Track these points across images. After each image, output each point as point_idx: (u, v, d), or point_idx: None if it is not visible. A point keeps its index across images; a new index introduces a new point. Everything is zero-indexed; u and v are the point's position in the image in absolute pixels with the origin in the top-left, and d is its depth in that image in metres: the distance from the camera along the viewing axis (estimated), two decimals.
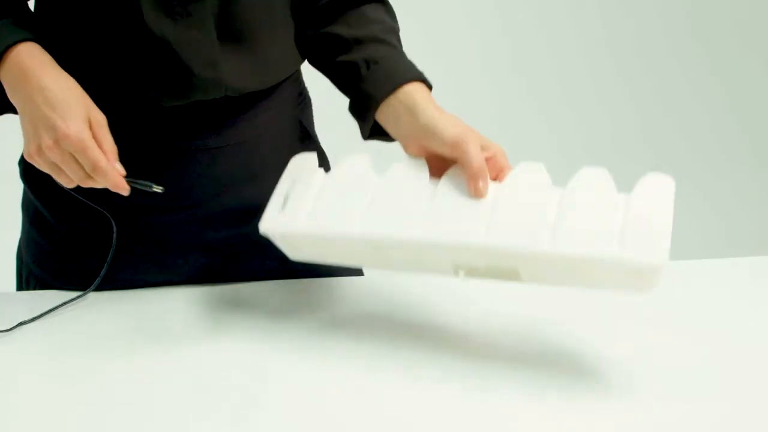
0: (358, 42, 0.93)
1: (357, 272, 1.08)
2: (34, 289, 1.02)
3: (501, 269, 0.78)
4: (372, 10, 0.97)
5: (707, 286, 1.04)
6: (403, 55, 0.94)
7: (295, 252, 0.87)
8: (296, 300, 0.97)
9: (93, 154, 0.81)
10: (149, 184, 0.86)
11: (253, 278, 1.01)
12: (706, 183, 3.16)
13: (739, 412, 0.79)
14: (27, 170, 1.00)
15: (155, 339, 0.88)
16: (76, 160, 0.82)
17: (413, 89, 0.88)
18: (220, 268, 1.01)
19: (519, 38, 3.28)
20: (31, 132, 0.83)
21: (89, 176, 0.83)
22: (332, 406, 0.78)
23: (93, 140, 0.82)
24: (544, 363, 0.85)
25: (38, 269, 1.02)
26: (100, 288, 0.96)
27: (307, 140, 1.06)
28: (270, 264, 0.99)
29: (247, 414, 0.76)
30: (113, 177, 0.82)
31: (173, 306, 0.94)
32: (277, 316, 0.92)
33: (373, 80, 0.90)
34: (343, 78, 0.94)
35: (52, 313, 0.92)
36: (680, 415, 0.78)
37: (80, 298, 0.94)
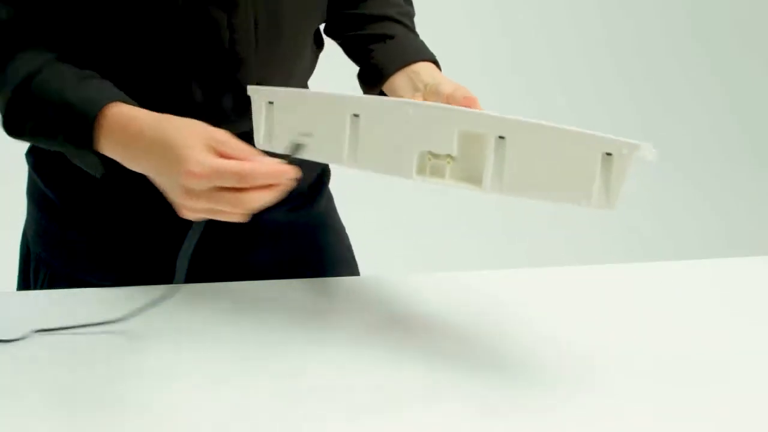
0: (375, 19, 1.00)
1: (354, 272, 1.08)
2: (45, 279, 1.02)
3: (469, 158, 0.78)
4: None
5: (707, 286, 1.04)
6: (416, 36, 1.00)
7: (270, 130, 0.88)
8: (300, 300, 0.97)
9: (230, 170, 0.72)
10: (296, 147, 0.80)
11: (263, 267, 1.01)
12: (706, 183, 3.16)
13: (739, 412, 0.79)
14: (38, 162, 1.00)
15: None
16: (225, 189, 0.73)
17: (424, 68, 0.93)
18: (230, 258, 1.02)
19: (519, 38, 3.28)
20: (168, 189, 0.77)
21: (246, 193, 0.73)
22: (330, 405, 0.78)
23: (221, 160, 0.73)
24: (544, 361, 0.85)
25: (49, 257, 1.02)
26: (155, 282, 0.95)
27: None
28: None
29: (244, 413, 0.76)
30: (267, 170, 0.72)
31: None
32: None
33: (385, 54, 0.96)
34: (356, 48, 1.00)
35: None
36: (680, 414, 0.78)
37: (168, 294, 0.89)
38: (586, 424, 0.76)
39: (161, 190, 0.78)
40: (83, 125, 0.80)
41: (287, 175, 0.73)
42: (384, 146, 0.82)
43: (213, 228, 0.88)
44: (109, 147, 0.81)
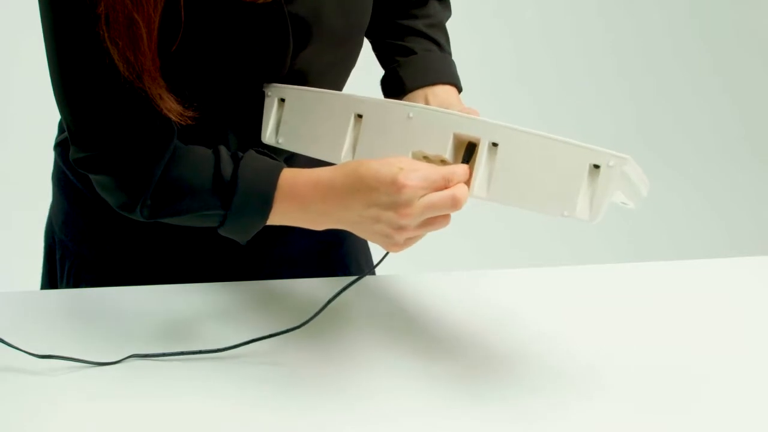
0: (401, 30, 1.02)
1: (370, 262, 1.12)
2: (72, 268, 1.03)
3: (461, 163, 0.79)
4: (431, 5, 1.05)
5: (707, 286, 1.04)
6: (443, 55, 1.01)
7: (278, 126, 0.90)
8: (305, 299, 0.97)
9: (442, 202, 0.75)
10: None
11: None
12: (706, 183, 3.16)
13: (739, 412, 0.79)
14: (67, 155, 1.00)
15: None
16: (428, 201, 0.76)
17: (442, 91, 0.95)
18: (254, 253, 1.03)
19: (520, 39, 3.28)
20: (373, 231, 0.79)
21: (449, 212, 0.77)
22: (331, 404, 0.78)
23: (431, 196, 0.76)
24: (543, 362, 0.85)
25: (77, 246, 1.03)
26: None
27: None
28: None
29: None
30: (458, 198, 0.76)
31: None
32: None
33: (406, 70, 0.98)
34: (382, 55, 1.04)
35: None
36: (680, 414, 0.78)
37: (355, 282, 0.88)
38: (586, 424, 0.76)
39: (358, 231, 0.80)
40: (261, 200, 0.82)
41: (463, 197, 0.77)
42: (381, 146, 0.83)
43: None
44: (282, 214, 0.83)
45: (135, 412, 0.76)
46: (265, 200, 0.82)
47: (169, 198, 0.84)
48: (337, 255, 1.11)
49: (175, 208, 0.84)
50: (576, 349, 0.88)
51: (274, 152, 0.92)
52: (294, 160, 0.98)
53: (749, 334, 0.93)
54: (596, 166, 0.72)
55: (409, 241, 0.79)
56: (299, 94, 0.89)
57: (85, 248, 1.02)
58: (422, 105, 0.85)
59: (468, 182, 0.78)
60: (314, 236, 0.95)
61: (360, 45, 0.99)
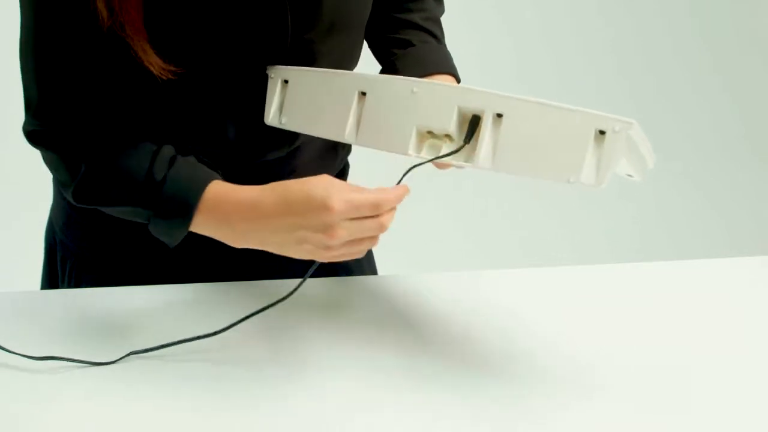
0: (398, 23, 1.03)
1: (372, 262, 1.12)
2: (72, 269, 1.03)
3: (462, 128, 0.80)
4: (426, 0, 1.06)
5: (707, 286, 1.04)
6: (439, 46, 1.02)
7: (281, 106, 0.91)
8: (305, 299, 0.97)
9: (366, 202, 0.77)
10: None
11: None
12: (707, 183, 3.16)
13: (739, 411, 0.79)
14: None
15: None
16: (364, 218, 0.78)
17: (441, 80, 0.95)
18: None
19: (520, 38, 3.28)
20: (300, 240, 0.79)
21: (382, 217, 0.79)
22: (330, 403, 0.78)
23: (356, 194, 0.78)
24: (544, 362, 0.85)
25: (77, 246, 1.03)
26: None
27: (339, 146, 1.08)
28: None
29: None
30: (395, 195, 0.79)
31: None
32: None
33: (404, 63, 0.99)
34: (379, 50, 1.04)
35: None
36: (681, 414, 0.78)
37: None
38: (586, 424, 0.76)
39: (289, 253, 0.81)
40: (183, 207, 0.83)
41: (406, 195, 0.80)
42: (386, 123, 0.84)
43: None
44: (205, 225, 0.84)
45: (134, 410, 0.76)
46: (186, 209, 0.83)
47: (100, 184, 0.85)
48: None
49: (104, 196, 0.85)
50: (576, 349, 0.88)
51: (278, 138, 0.93)
52: (299, 149, 0.98)
53: (749, 334, 0.93)
54: (602, 132, 0.72)
55: (335, 257, 0.80)
56: (302, 74, 0.90)
57: (86, 249, 1.02)
58: (426, 80, 0.86)
59: (465, 157, 0.79)
60: None
61: (362, 35, 1.00)
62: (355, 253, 0.80)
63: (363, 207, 0.77)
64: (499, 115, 0.77)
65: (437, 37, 1.04)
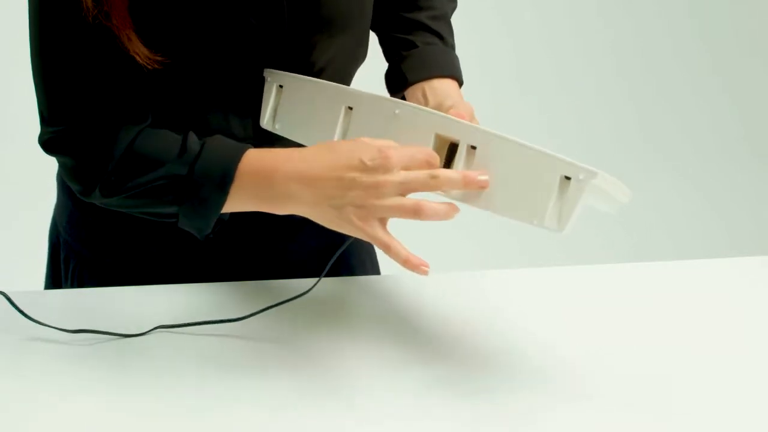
0: (404, 23, 1.03)
1: (374, 260, 1.13)
2: (75, 268, 1.03)
3: (440, 163, 0.80)
4: None
5: (707, 286, 1.04)
6: (445, 48, 1.02)
7: (275, 111, 0.92)
8: (306, 299, 0.97)
9: (408, 178, 0.75)
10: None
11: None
12: (706, 183, 3.16)
13: (738, 412, 0.79)
14: None
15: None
16: (411, 175, 0.76)
17: (441, 84, 0.96)
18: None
19: (519, 38, 3.28)
20: (345, 202, 0.76)
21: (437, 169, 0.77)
22: (330, 403, 0.78)
23: (401, 159, 0.76)
24: (544, 362, 0.85)
25: (80, 246, 1.03)
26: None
27: None
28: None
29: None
30: (437, 176, 0.76)
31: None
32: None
33: (408, 64, 0.99)
34: (386, 48, 1.04)
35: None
36: (680, 414, 0.78)
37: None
38: (587, 424, 0.76)
39: (323, 221, 0.79)
40: (223, 170, 0.81)
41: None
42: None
43: (253, 219, 0.91)
44: (245, 190, 0.81)
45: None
46: (227, 173, 0.81)
47: (133, 169, 0.83)
48: (342, 255, 1.11)
49: (137, 182, 0.83)
50: (576, 349, 0.88)
51: (273, 140, 0.93)
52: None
53: (749, 334, 0.93)
54: (567, 178, 0.73)
55: (383, 210, 0.76)
56: (296, 82, 0.91)
57: (90, 248, 1.02)
58: (410, 103, 0.86)
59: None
60: (320, 238, 0.95)
61: (365, 36, 1.00)
62: (406, 209, 0.76)
63: (418, 155, 0.76)
64: (473, 147, 0.78)
65: (443, 37, 1.03)
